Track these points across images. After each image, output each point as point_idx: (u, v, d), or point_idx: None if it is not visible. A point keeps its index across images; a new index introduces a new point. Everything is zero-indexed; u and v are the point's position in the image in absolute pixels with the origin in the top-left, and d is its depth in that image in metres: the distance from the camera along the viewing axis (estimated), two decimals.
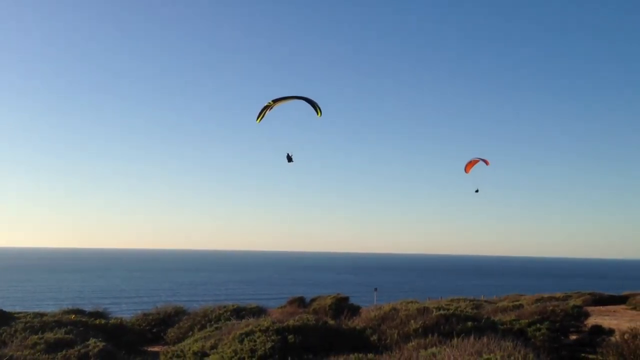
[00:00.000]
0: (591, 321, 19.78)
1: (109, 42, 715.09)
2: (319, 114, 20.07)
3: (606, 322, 24.89)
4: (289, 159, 20.87)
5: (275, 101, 19.85)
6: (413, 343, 12.34)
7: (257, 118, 20.02)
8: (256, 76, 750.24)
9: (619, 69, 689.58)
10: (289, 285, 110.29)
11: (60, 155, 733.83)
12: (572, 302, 21.16)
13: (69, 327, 16.91)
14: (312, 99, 20.09)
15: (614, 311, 35.09)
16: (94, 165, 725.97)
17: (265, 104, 19.85)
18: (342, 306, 26.62)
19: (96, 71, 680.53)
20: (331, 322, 15.70)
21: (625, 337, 13.56)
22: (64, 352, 13.96)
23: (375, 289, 48.24)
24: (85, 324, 18.00)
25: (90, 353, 14.03)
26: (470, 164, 22.75)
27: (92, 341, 14.78)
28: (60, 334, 15.54)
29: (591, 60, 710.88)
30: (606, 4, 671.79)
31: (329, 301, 27.91)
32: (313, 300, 31.92)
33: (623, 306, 38.10)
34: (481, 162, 22.56)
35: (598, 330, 18.64)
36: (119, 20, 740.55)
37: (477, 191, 22.80)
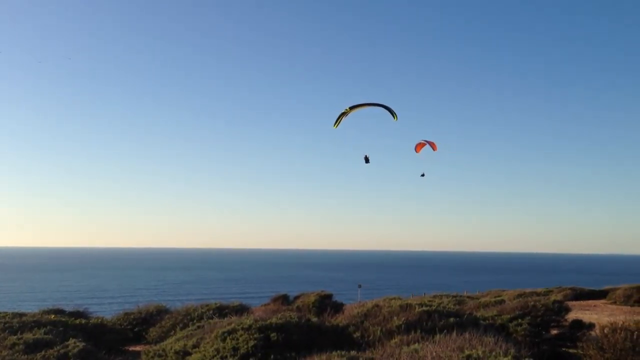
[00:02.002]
0: (572, 316, 19.95)
1: (110, 41, 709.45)
2: (395, 118, 20.64)
3: (586, 316, 25.17)
4: (366, 160, 21.47)
5: (352, 108, 20.35)
6: (396, 339, 12.37)
7: (335, 124, 20.61)
8: (255, 76, 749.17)
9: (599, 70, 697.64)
10: (274, 283, 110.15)
11: (44, 154, 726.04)
12: (553, 297, 21.35)
13: (48, 327, 16.62)
14: (386, 104, 20.65)
15: (594, 306, 35.48)
16: (76, 164, 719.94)
17: (342, 111, 20.37)
18: (326, 303, 26.59)
19: (96, 70, 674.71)
20: (314, 319, 15.66)
21: (605, 331, 13.67)
22: (43, 352, 13.75)
23: (359, 286, 48.34)
24: (65, 324, 17.72)
25: (70, 353, 13.83)
26: (420, 145, 22.70)
27: (71, 341, 14.56)
28: (39, 334, 15.30)
29: (568, 62, 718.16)
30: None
31: (312, 298, 27.85)
32: (296, 297, 31.85)
33: (603, 301, 38.54)
34: (428, 146, 22.42)
35: (578, 324, 18.80)
36: (120, 20, 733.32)
37: (422, 175, 22.77)
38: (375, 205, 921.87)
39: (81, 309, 22.42)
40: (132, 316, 21.45)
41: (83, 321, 18.90)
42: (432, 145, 22.15)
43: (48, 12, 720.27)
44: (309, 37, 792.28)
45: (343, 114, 20.35)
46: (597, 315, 28.22)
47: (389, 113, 20.64)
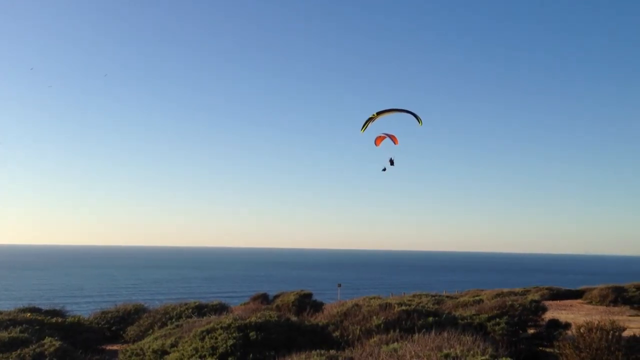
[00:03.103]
0: (548, 315, 20.24)
1: (111, 40, 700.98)
2: (420, 123, 21.20)
3: (563, 316, 25.52)
4: (391, 162, 21.92)
5: (379, 113, 20.78)
6: (375, 339, 12.41)
7: (362, 128, 21.08)
8: (253, 75, 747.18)
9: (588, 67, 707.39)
10: (254, 282, 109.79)
11: (27, 152, 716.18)
12: (530, 297, 21.56)
13: (24, 325, 16.37)
14: (413, 110, 21.15)
15: (571, 305, 36.00)
16: (55, 161, 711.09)
17: (370, 116, 20.85)
18: (305, 302, 26.57)
19: (97, 70, 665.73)
20: (294, 318, 15.64)
21: (581, 330, 13.85)
22: (18, 351, 13.54)
23: (339, 285, 48.40)
24: (41, 323, 17.47)
25: (46, 352, 13.64)
26: (380, 138, 22.77)
27: (47, 340, 14.35)
28: (14, 333, 15.04)
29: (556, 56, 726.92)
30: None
31: (292, 297, 27.83)
32: (276, 296, 31.80)
33: (579, 300, 39.12)
34: (389, 140, 22.47)
35: (555, 324, 19.07)
36: (121, 19, 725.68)
37: (384, 170, 22.91)
38: (356, 204, 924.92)
39: (58, 308, 22.10)
40: (109, 315, 21.22)
41: (59, 320, 18.65)
42: (393, 139, 22.18)
43: (48, 12, 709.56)
44: (321, 34, 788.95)
45: (370, 119, 20.86)
46: (574, 315, 28.63)
47: (414, 118, 21.17)
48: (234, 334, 12.66)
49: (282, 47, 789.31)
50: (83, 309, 48.02)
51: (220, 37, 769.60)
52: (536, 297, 22.52)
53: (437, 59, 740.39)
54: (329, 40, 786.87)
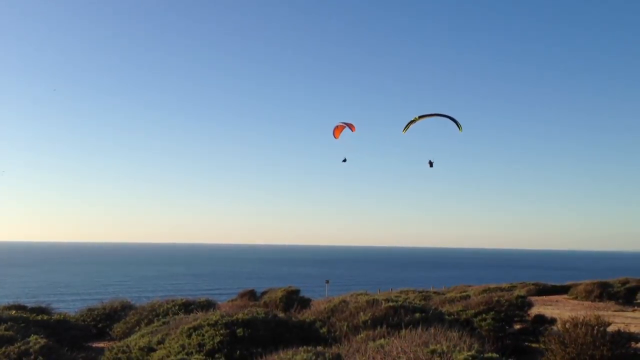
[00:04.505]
0: (534, 311, 20.35)
1: (111, 40, 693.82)
2: (461, 129, 21.93)
3: (549, 311, 25.69)
4: (431, 164, 23.23)
5: (421, 117, 21.64)
6: (362, 335, 12.42)
7: (403, 129, 22.04)
8: (252, 76, 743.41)
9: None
10: (241, 279, 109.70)
11: (15, 148, 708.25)
12: (516, 293, 21.67)
13: (9, 323, 16.23)
14: (450, 115, 22.10)
15: (557, 301, 36.29)
16: (42, 157, 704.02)
17: (412, 119, 21.82)
18: (293, 299, 26.50)
19: (97, 69, 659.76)
20: (281, 315, 15.63)
21: (567, 326, 13.97)
22: (3, 349, 13.40)
23: (327, 282, 48.46)
24: (26, 320, 17.32)
25: (32, 349, 13.51)
26: (338, 129, 22.87)
27: (33, 337, 14.22)
28: None
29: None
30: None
31: (279, 294, 27.74)
32: (264, 293, 31.76)
33: (565, 296, 39.43)
34: (347, 129, 22.73)
35: (541, 319, 19.20)
36: (123, 19, 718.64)
37: (344, 160, 23.21)
38: (343, 200, 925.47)
39: (43, 305, 21.94)
40: (95, 312, 21.09)
41: (45, 317, 18.51)
42: (351, 127, 22.44)
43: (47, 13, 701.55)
44: (308, 36, 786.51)
45: (412, 122, 21.82)
46: (559, 310, 28.86)
47: (454, 123, 21.98)
48: (221, 331, 12.62)
49: (279, 42, 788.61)
50: (69, 306, 47.64)
51: (218, 32, 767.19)
52: (522, 292, 22.65)
53: (436, 54, 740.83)
54: (330, 36, 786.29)
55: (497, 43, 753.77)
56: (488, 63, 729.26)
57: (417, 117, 21.65)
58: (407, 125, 21.93)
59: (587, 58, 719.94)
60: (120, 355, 13.51)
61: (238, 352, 11.93)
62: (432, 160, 23.16)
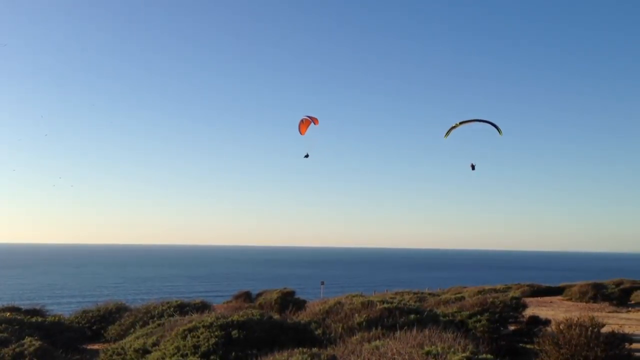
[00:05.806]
0: (529, 312, 20.42)
1: (111, 39, 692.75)
2: (501, 133, 22.48)
3: (543, 312, 25.79)
4: (472, 167, 23.85)
5: (462, 122, 22.24)
6: (357, 336, 12.43)
7: (445, 135, 22.78)
8: (252, 76, 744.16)
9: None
10: (237, 280, 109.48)
11: (10, 146, 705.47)
12: (511, 294, 21.82)
13: (3, 325, 16.19)
14: (491, 120, 22.64)
15: (551, 302, 36.42)
16: (38, 157, 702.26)
17: (453, 125, 22.51)
18: (288, 300, 26.55)
19: (96, 69, 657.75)
20: (276, 316, 15.63)
21: (561, 327, 14.02)
22: None
23: (322, 283, 48.49)
24: (20, 322, 17.25)
25: (26, 352, 13.49)
26: (304, 124, 22.70)
27: (27, 340, 14.20)
28: None
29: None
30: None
31: (274, 295, 27.79)
32: (259, 294, 31.78)
33: (559, 297, 39.60)
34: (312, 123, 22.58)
35: (535, 320, 19.26)
36: (123, 19, 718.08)
37: (306, 156, 23.24)
38: (338, 202, 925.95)
39: (38, 307, 21.87)
40: (90, 314, 21.01)
41: (39, 319, 18.42)
42: (314, 121, 22.40)
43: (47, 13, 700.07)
44: (308, 36, 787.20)
45: (453, 127, 22.44)
46: (554, 312, 28.97)
47: (494, 128, 22.48)
48: (216, 333, 12.60)
49: (278, 43, 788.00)
50: (64, 308, 47.53)
51: (218, 33, 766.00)
52: (517, 294, 22.80)
53: (435, 51, 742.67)
54: (329, 36, 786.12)
55: (497, 43, 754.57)
56: (488, 63, 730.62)
57: (458, 122, 22.21)
58: (448, 131, 22.53)
59: (582, 59, 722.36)
60: (115, 357, 13.51)
61: (233, 353, 11.91)
62: (474, 164, 23.72)
